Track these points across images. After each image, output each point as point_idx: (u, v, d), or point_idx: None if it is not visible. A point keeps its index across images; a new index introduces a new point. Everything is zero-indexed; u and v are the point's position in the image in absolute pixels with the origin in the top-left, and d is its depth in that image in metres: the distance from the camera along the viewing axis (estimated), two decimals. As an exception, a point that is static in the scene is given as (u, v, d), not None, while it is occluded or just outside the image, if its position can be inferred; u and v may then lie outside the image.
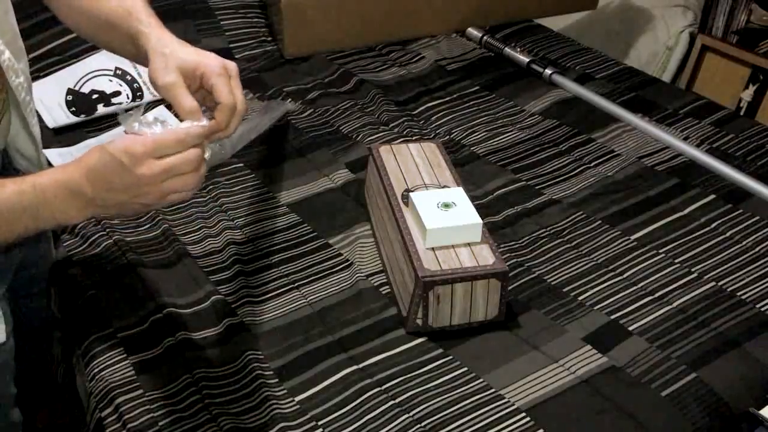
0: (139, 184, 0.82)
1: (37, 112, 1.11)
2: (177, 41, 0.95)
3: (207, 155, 0.88)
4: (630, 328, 1.23)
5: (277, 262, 1.36)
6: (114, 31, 1.01)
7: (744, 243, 1.41)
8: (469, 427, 1.07)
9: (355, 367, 1.16)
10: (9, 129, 1.02)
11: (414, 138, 1.70)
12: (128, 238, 1.39)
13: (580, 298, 1.29)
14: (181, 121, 0.88)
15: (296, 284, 1.32)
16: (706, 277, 1.33)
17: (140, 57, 0.98)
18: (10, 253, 1.06)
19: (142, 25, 0.97)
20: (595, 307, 1.27)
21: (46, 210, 0.84)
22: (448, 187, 1.33)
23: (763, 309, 1.27)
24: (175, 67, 0.91)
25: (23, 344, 1.10)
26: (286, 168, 1.62)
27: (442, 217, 1.22)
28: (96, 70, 1.82)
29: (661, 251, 1.39)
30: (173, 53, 0.92)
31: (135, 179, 0.82)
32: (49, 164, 1.55)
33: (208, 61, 0.92)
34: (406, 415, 1.08)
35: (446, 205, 1.25)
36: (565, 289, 1.31)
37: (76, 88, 1.78)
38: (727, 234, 1.43)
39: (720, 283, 1.32)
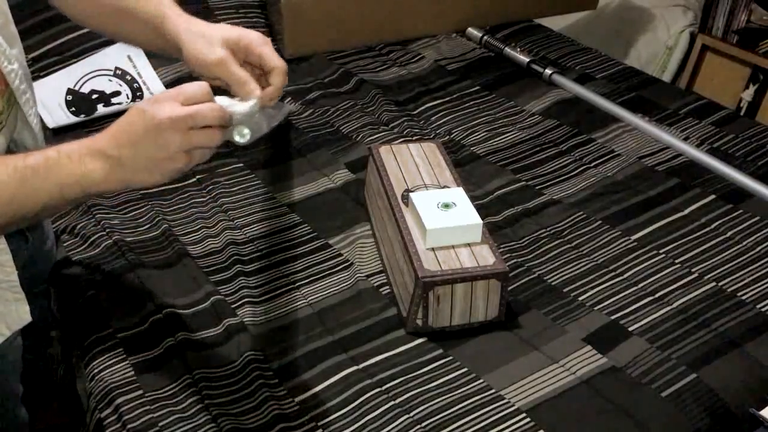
0: (160, 126, 0.80)
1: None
2: (207, 23, 0.98)
3: (246, 133, 0.90)
4: (630, 329, 1.23)
5: (277, 262, 1.36)
6: (129, 19, 1.02)
7: (744, 243, 1.41)
8: (470, 427, 1.07)
9: (355, 368, 1.16)
10: (16, 124, 1.01)
11: (414, 138, 1.70)
12: (128, 238, 1.39)
13: (580, 298, 1.29)
14: (232, 96, 0.91)
15: (296, 284, 1.31)
16: (706, 277, 1.33)
17: (160, 42, 1.00)
18: (19, 250, 1.06)
19: (167, 8, 0.99)
20: (595, 308, 1.27)
21: (70, 175, 0.82)
22: (448, 187, 1.33)
23: (763, 309, 1.27)
24: (220, 44, 0.94)
25: (24, 344, 1.10)
26: (286, 168, 1.61)
27: (442, 217, 1.22)
28: (96, 70, 1.82)
29: (661, 251, 1.39)
30: (213, 32, 0.96)
31: (157, 121, 0.80)
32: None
33: (248, 33, 0.96)
34: (406, 416, 1.08)
35: (446, 206, 1.25)
36: (565, 290, 1.31)
37: (76, 88, 1.78)
38: (728, 234, 1.43)
39: (720, 284, 1.32)
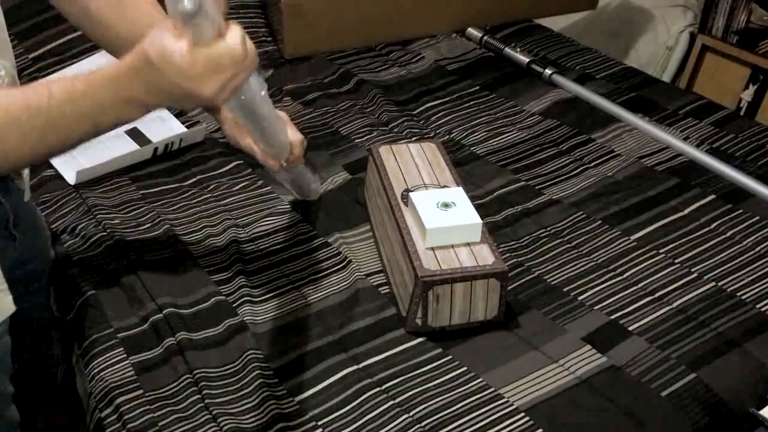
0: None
1: None
2: None
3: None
4: (630, 328, 1.23)
5: (277, 262, 1.36)
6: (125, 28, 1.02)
7: (744, 243, 1.41)
8: (469, 426, 1.07)
9: (355, 367, 1.16)
10: None
11: (414, 138, 1.70)
12: (128, 238, 1.39)
13: (580, 298, 1.29)
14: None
15: (296, 284, 1.31)
16: (706, 277, 1.33)
17: None
18: (6, 248, 1.06)
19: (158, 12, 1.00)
20: (595, 307, 1.27)
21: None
22: (448, 187, 1.33)
23: (763, 309, 1.27)
24: None
25: (22, 343, 1.10)
26: (286, 168, 1.61)
27: (442, 216, 1.22)
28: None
29: (661, 251, 1.39)
30: None
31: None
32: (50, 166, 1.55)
33: None
34: (406, 415, 1.08)
35: (446, 205, 1.25)
36: (565, 289, 1.31)
37: (76, 88, 1.78)
38: (727, 234, 1.43)
39: (720, 283, 1.32)
